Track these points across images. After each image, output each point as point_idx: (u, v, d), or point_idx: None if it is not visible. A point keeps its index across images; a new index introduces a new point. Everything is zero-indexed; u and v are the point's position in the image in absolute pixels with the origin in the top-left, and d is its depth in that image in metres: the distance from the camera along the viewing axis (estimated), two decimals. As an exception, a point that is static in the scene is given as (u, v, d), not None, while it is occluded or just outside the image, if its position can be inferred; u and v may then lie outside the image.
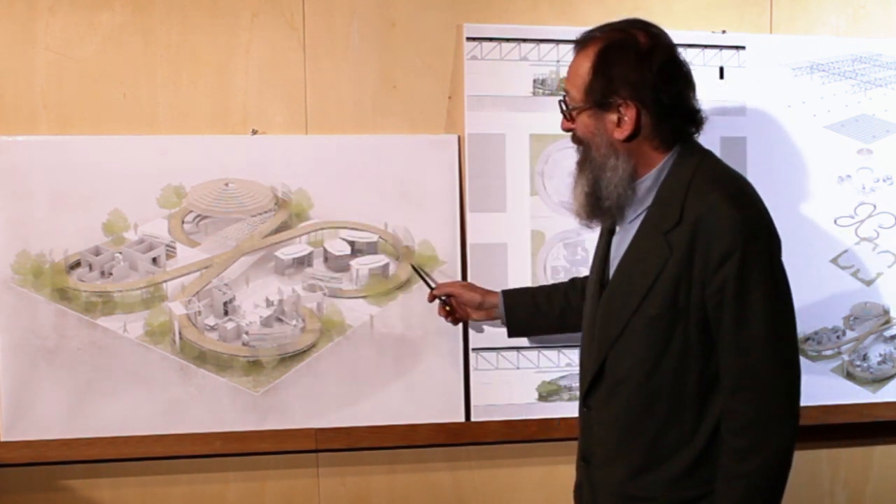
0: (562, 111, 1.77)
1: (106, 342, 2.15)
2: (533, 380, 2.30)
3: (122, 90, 2.17)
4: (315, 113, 2.25)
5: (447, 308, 2.16)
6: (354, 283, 2.24)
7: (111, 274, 2.15)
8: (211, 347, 2.18)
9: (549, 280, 2.28)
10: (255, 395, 2.20)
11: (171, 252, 2.18)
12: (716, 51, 2.35)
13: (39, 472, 2.18)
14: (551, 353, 2.30)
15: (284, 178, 2.21)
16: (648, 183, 1.73)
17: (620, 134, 1.70)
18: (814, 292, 2.41)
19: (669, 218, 1.68)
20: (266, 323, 2.20)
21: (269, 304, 2.21)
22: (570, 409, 2.25)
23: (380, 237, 2.25)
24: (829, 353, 2.44)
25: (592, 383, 1.80)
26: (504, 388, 2.28)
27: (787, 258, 1.71)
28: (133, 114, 2.18)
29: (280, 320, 2.21)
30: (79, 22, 2.15)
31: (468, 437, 2.29)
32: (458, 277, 2.26)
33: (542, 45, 2.27)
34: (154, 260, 2.17)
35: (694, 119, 1.74)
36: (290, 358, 2.21)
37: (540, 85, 2.28)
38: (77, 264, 2.14)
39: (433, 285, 2.18)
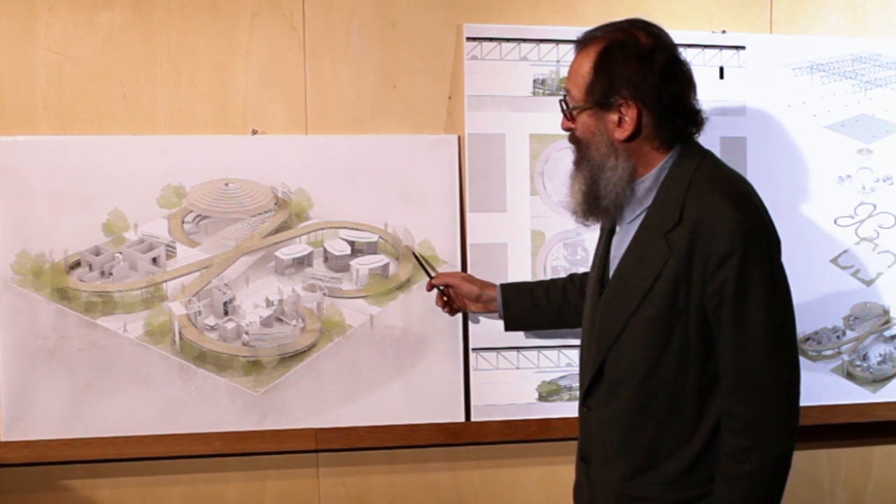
0: (562, 110, 1.78)
1: (106, 342, 2.15)
2: (533, 380, 2.30)
3: (122, 90, 2.17)
4: (315, 113, 2.25)
5: (444, 298, 2.17)
6: (354, 283, 2.24)
7: (111, 274, 2.15)
8: (211, 347, 2.18)
9: (549, 280, 2.28)
10: (255, 395, 2.20)
11: (171, 252, 2.18)
12: (716, 51, 2.35)
13: (39, 472, 2.18)
14: (551, 353, 2.30)
15: (284, 178, 2.21)
16: (648, 183, 1.73)
17: (621, 134, 1.70)
18: (814, 292, 2.41)
19: (669, 218, 1.68)
20: (266, 323, 2.20)
21: (269, 304, 2.21)
22: (570, 409, 2.25)
23: (380, 237, 2.25)
24: (829, 353, 2.44)
25: (592, 383, 1.80)
26: (504, 388, 2.28)
27: (787, 258, 1.71)
28: (133, 114, 2.18)
29: (280, 320, 2.21)
30: (79, 22, 2.15)
31: (468, 437, 2.29)
32: (458, 277, 2.26)
33: (542, 45, 2.27)
34: (154, 260, 2.17)
35: (694, 119, 1.75)
36: (290, 358, 2.21)
37: (540, 85, 2.28)
38: (77, 264, 2.14)
39: (433, 274, 2.19)
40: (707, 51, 2.35)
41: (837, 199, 2.43)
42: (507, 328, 2.16)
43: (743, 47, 2.36)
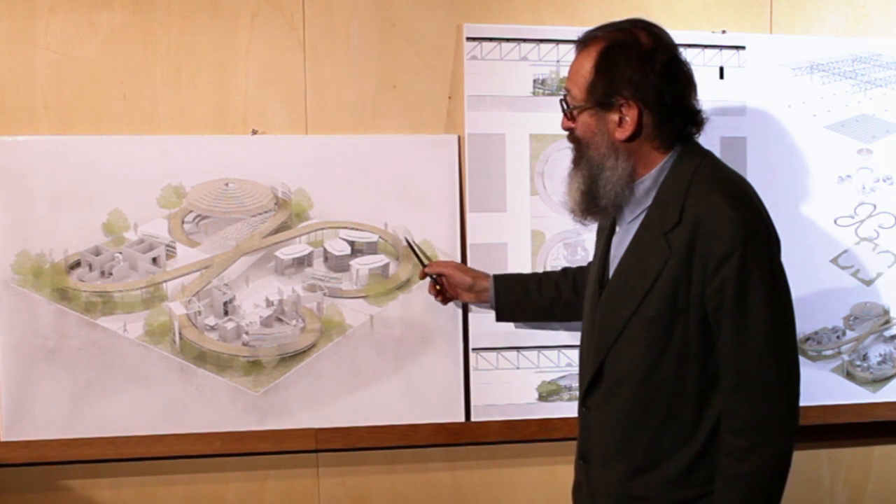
0: (563, 110, 1.78)
1: (106, 342, 2.15)
2: (533, 380, 2.30)
3: (122, 90, 2.17)
4: (315, 113, 2.24)
5: (437, 287, 2.17)
6: (354, 283, 2.24)
7: (111, 274, 2.15)
8: (211, 347, 2.18)
9: (548, 280, 2.28)
10: (255, 395, 2.20)
11: (171, 252, 2.18)
12: (716, 51, 2.35)
13: (39, 472, 2.18)
14: (551, 353, 2.30)
15: (284, 178, 2.21)
16: (648, 183, 1.73)
17: (622, 134, 1.70)
18: (814, 292, 2.41)
19: (669, 218, 1.68)
20: (266, 323, 2.20)
21: (269, 304, 2.21)
22: (569, 409, 2.25)
23: (380, 237, 2.25)
24: (829, 353, 2.44)
25: (592, 383, 1.80)
26: (504, 388, 2.28)
27: (786, 258, 1.71)
28: (133, 114, 2.18)
29: (280, 320, 2.21)
30: (79, 22, 2.15)
31: (468, 437, 2.29)
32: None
33: (542, 45, 2.27)
34: (154, 260, 2.17)
35: (695, 119, 1.75)
36: (290, 358, 2.21)
37: (540, 85, 2.28)
38: (77, 264, 2.14)
39: (426, 262, 2.19)
40: (707, 51, 2.35)
41: (837, 199, 2.43)
42: (499, 319, 2.17)
43: (743, 47, 2.36)
